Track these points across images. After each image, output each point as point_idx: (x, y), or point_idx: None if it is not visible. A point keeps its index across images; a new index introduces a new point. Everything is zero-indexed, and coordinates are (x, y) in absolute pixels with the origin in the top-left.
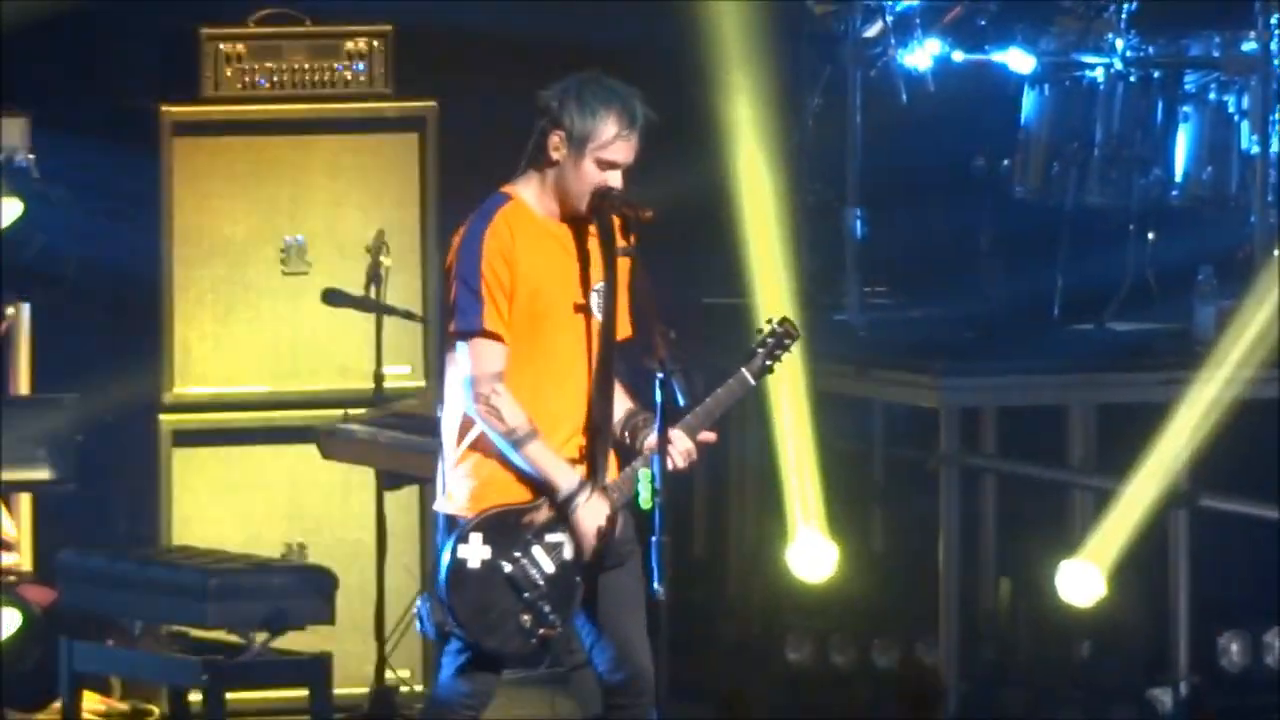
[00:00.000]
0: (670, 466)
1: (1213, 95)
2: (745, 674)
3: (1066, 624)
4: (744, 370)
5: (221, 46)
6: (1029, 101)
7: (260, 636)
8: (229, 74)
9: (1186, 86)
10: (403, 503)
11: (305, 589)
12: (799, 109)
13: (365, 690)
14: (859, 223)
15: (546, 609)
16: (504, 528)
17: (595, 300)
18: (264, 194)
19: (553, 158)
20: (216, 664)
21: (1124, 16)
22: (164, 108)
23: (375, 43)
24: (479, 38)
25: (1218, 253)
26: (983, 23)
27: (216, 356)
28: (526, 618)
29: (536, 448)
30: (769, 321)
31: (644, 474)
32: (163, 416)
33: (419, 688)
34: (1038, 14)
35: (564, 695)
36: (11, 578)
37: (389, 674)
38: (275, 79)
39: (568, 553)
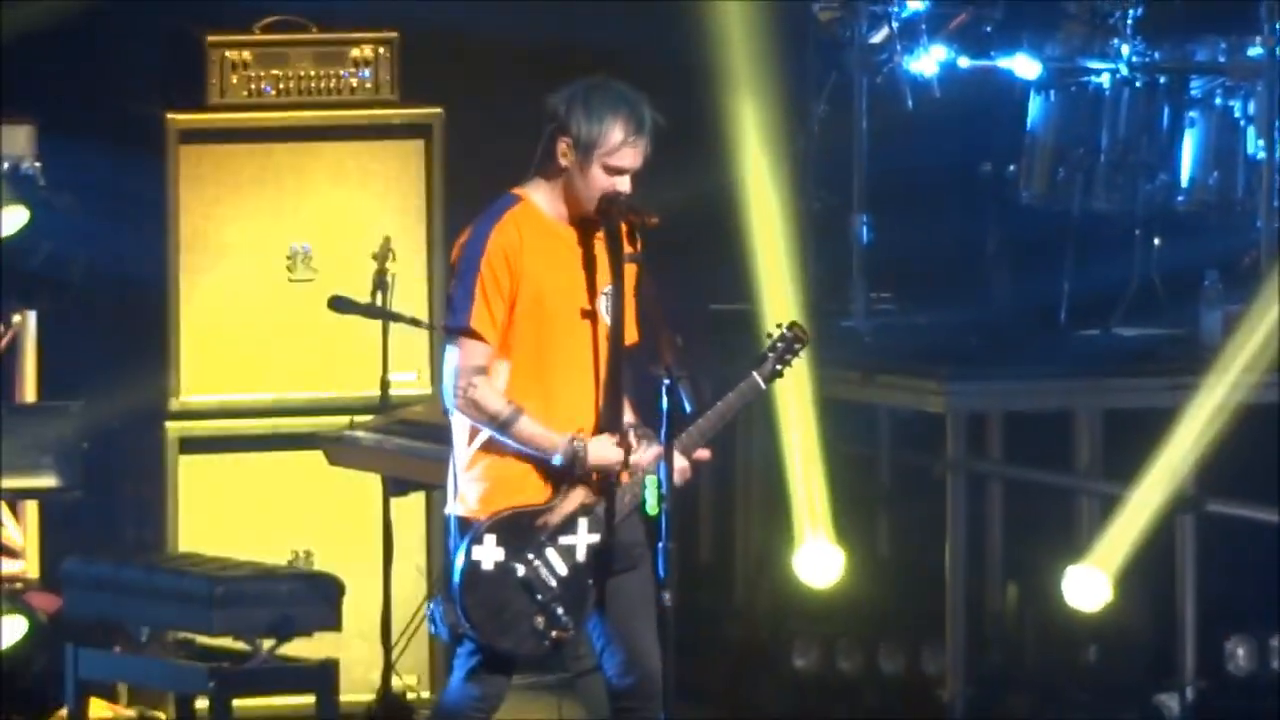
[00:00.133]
0: None
1: (1218, 100)
2: (751, 679)
3: (1073, 629)
4: (755, 374)
5: (227, 53)
6: (1035, 107)
7: (267, 643)
8: (235, 81)
9: (1192, 92)
10: (409, 509)
11: (311, 595)
12: (804, 115)
13: (372, 697)
14: (865, 229)
15: (560, 611)
16: (517, 529)
17: (603, 305)
18: (270, 201)
19: (561, 164)
20: (223, 671)
21: (1130, 22)
22: (170, 115)
23: (381, 49)
24: (485, 44)
25: (1224, 258)
26: (988, 28)
27: (222, 363)
28: (540, 619)
29: (525, 424)
30: (779, 325)
31: (650, 480)
32: (169, 423)
33: (425, 694)
34: (1043, 20)
35: (570, 700)
36: (18, 585)
37: (395, 680)
38: (281, 86)
39: (581, 555)
